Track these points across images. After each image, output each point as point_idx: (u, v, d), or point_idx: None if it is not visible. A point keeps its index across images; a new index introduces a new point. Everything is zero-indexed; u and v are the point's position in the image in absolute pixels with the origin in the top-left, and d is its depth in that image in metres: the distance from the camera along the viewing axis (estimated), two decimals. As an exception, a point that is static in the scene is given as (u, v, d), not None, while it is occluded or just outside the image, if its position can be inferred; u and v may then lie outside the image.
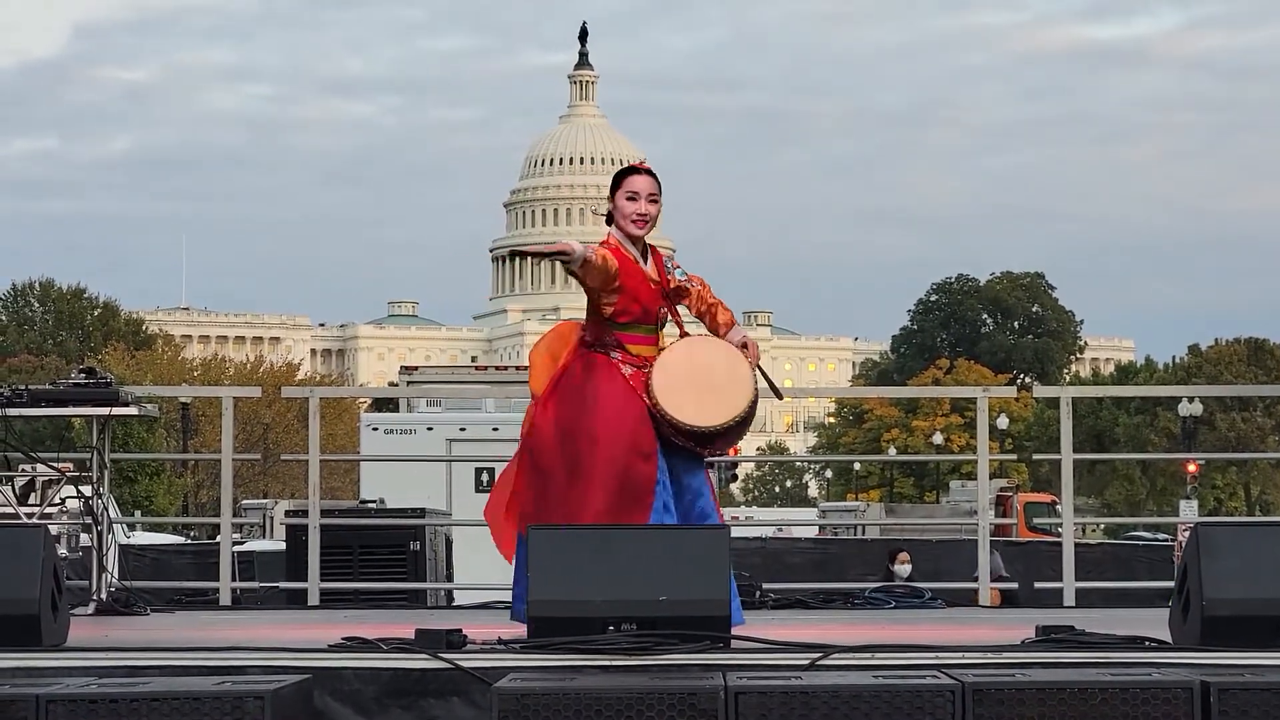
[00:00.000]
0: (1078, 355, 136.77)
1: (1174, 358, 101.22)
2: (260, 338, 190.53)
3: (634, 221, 8.19)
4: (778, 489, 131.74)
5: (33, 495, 11.56)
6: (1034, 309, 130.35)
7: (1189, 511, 48.69)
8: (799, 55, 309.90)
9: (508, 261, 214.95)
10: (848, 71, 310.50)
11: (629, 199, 8.21)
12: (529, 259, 8.17)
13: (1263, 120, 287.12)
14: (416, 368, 27.33)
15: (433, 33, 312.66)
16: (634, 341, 8.22)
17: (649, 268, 8.21)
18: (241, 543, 24.76)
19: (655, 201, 8.22)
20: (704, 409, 7.96)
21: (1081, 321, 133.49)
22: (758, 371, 8.03)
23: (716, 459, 9.32)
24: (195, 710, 6.37)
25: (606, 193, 8.42)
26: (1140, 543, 38.01)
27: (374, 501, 18.29)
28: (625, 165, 8.53)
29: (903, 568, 19.64)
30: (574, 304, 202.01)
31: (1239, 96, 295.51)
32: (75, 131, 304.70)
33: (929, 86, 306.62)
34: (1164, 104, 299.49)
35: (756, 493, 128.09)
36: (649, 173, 8.36)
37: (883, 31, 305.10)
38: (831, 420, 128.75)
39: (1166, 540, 36.85)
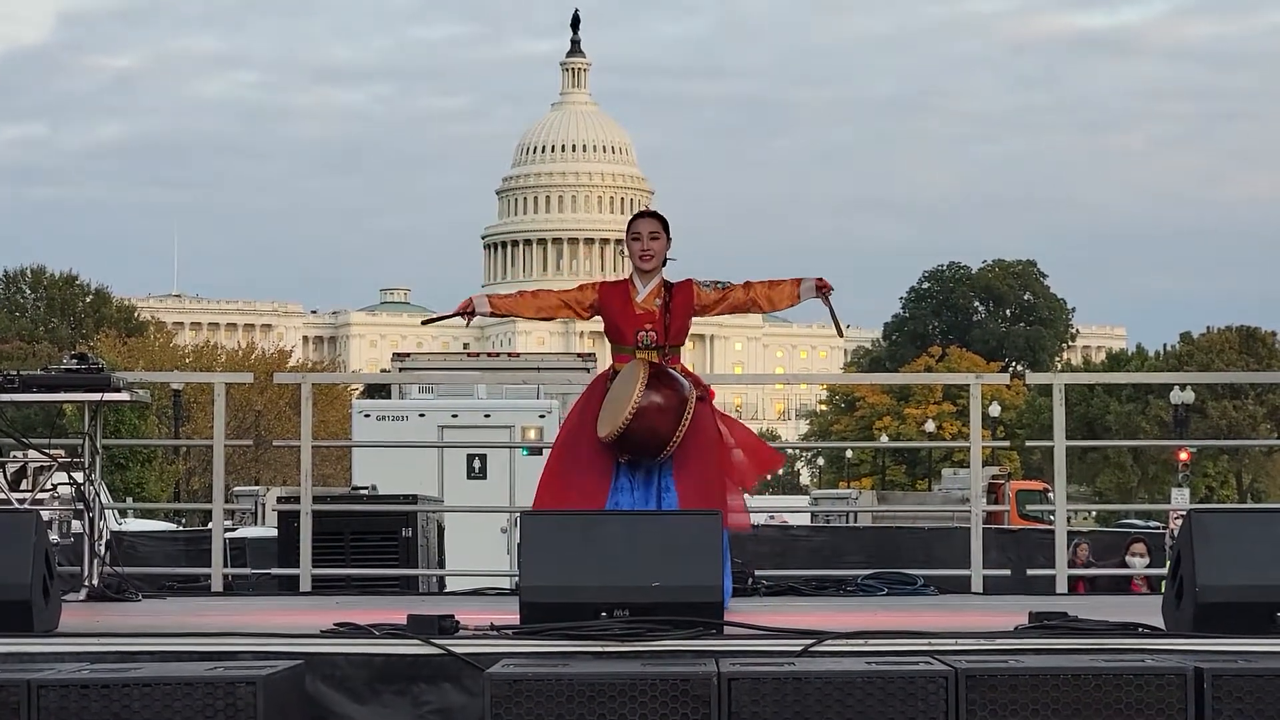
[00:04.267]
0: (1069, 343, 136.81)
1: (1165, 345, 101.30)
2: (252, 325, 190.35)
3: (640, 258, 9.57)
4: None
5: (25, 481, 11.55)
6: (1026, 297, 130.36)
7: (1181, 499, 48.69)
8: (788, 44, 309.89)
9: (499, 249, 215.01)
10: (837, 60, 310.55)
11: (634, 240, 9.62)
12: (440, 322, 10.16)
13: (1251, 109, 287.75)
14: (409, 354, 27.28)
15: (422, 21, 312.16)
16: (618, 359, 9.59)
17: (642, 298, 9.55)
18: (233, 529, 24.74)
19: (657, 238, 9.58)
20: (601, 424, 9.39)
21: (1073, 309, 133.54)
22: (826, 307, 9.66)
23: None
24: (187, 696, 6.36)
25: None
26: (1132, 530, 37.97)
27: (366, 488, 18.24)
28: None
29: (1138, 559, 18.96)
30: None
31: (1227, 85, 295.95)
32: (64, 119, 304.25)
33: (919, 75, 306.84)
34: (1152, 92, 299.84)
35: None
36: (653, 215, 9.73)
37: (872, 20, 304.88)
38: (823, 407, 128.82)
39: (1158, 528, 36.85)
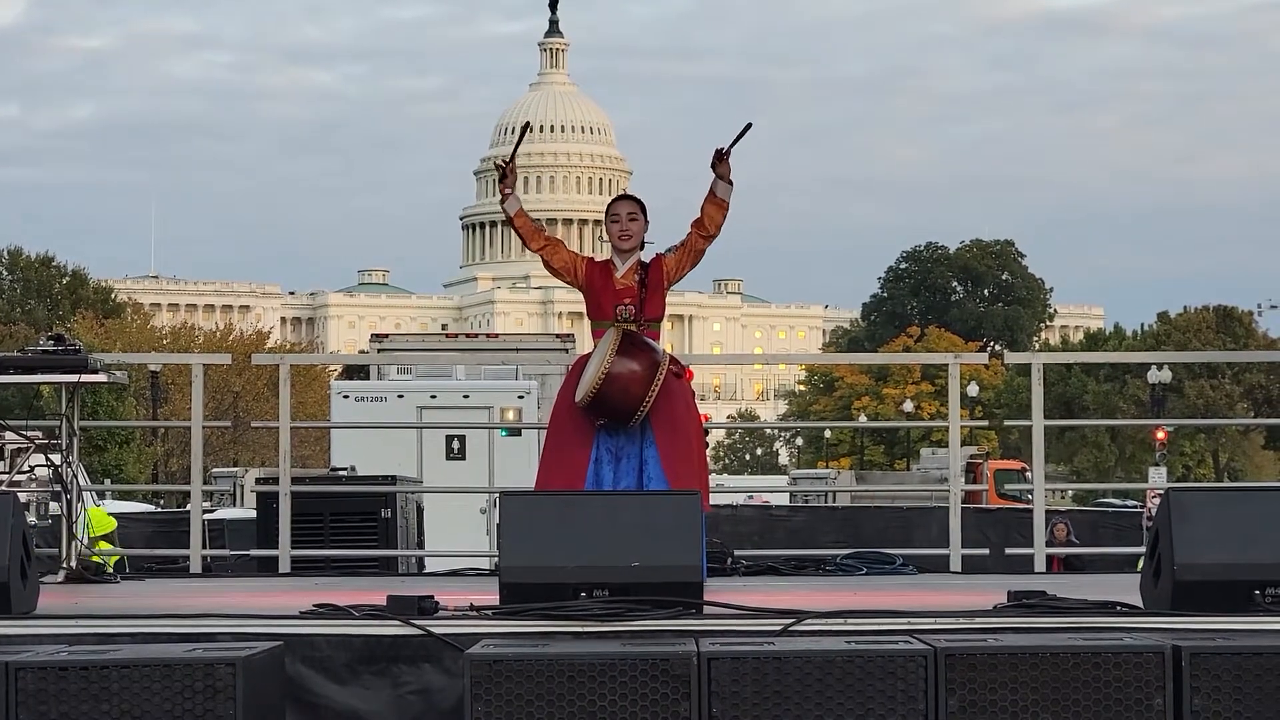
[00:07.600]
0: (1047, 323, 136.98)
1: (1143, 325, 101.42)
2: (230, 306, 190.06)
3: (619, 239, 9.89)
4: (748, 456, 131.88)
5: (1, 463, 11.51)
6: (1004, 277, 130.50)
7: (1158, 478, 48.80)
8: (762, 24, 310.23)
9: (477, 229, 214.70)
10: (812, 40, 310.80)
11: (613, 221, 9.93)
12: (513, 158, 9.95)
13: (1224, 89, 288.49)
14: (387, 335, 27.23)
15: (393, 1, 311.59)
16: (597, 336, 9.79)
17: (621, 274, 9.82)
18: (212, 511, 24.71)
19: (635, 220, 9.88)
20: (578, 390, 9.64)
21: (1051, 289, 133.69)
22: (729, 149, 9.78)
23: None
24: (166, 677, 6.35)
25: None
26: (1109, 510, 38.09)
27: (345, 469, 18.25)
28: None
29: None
30: (544, 272, 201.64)
31: (1200, 65, 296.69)
32: (36, 100, 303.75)
33: (893, 55, 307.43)
34: (1127, 72, 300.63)
35: (727, 460, 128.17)
36: (631, 198, 10.04)
37: (846, 0, 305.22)
38: (802, 388, 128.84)
39: (1135, 507, 36.94)
